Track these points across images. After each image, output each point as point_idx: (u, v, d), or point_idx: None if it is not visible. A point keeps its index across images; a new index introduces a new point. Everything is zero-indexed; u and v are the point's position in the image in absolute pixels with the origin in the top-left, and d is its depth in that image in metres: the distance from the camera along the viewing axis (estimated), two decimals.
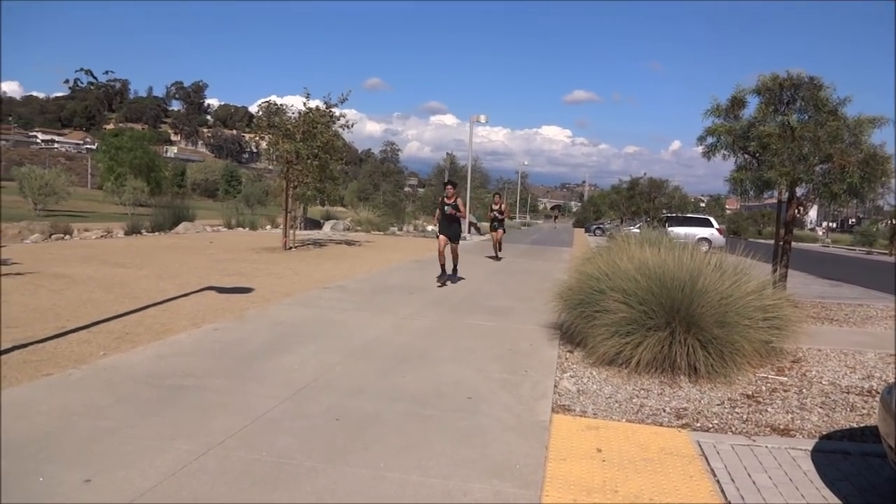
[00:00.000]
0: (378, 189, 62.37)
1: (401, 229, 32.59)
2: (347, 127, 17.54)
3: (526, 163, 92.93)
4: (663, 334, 5.43)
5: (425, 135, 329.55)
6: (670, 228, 18.75)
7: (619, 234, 11.58)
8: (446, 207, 11.32)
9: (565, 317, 6.78)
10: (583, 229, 58.76)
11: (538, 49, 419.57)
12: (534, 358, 6.05)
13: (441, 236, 11.40)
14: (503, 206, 17.58)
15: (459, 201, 11.42)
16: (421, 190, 70.26)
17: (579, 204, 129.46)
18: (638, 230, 15.14)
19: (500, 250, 17.79)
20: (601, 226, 50.00)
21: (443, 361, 5.76)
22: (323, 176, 17.22)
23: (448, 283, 11.19)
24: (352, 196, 62.26)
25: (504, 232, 17.87)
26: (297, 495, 3.08)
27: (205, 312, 7.44)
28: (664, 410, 4.70)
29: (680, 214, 31.11)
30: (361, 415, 4.22)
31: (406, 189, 71.11)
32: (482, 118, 32.10)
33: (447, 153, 35.65)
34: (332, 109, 16.91)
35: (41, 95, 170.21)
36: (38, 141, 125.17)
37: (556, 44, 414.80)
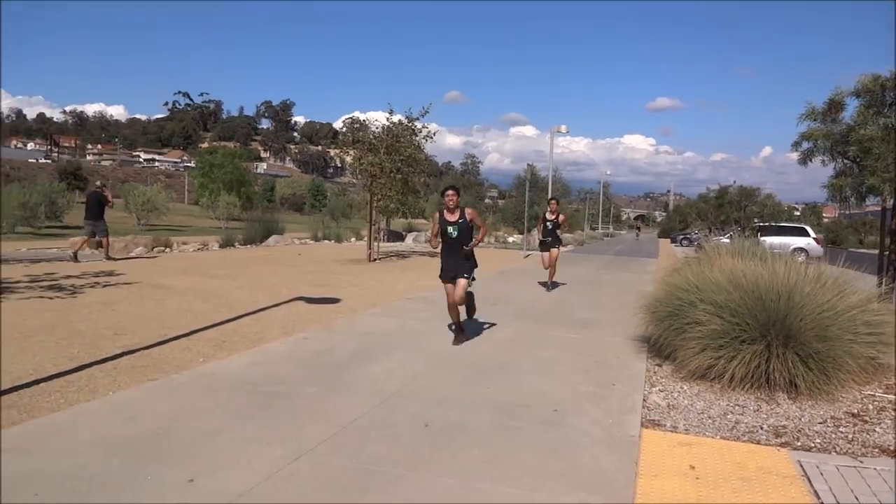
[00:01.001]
0: None
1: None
2: (430, 137, 17.63)
3: (608, 172, 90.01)
4: (758, 348, 5.19)
5: (505, 146, 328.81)
6: (763, 238, 17.87)
7: (708, 244, 11.13)
8: (449, 229, 6.72)
9: (653, 329, 6.59)
10: (668, 240, 56.98)
11: (619, 56, 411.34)
12: (621, 371, 5.92)
13: (448, 284, 6.86)
14: (560, 215, 12.34)
15: (471, 213, 6.86)
16: (501, 202, 70.08)
17: (664, 213, 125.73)
18: (728, 240, 14.57)
19: (553, 275, 12.45)
20: (688, 236, 48.23)
21: (527, 372, 5.73)
22: (405, 189, 17.41)
23: (465, 340, 6.92)
24: (433, 208, 62.75)
25: (560, 250, 12.67)
26: (386, 502, 3.13)
27: (295, 322, 7.70)
28: (761, 428, 4.49)
29: (773, 223, 29.71)
30: (447, 424, 4.25)
31: (486, 201, 71.16)
32: (562, 128, 31.68)
33: (527, 164, 35.36)
34: (414, 123, 17.17)
35: (143, 118, 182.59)
36: (141, 160, 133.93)
37: (637, 50, 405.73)
